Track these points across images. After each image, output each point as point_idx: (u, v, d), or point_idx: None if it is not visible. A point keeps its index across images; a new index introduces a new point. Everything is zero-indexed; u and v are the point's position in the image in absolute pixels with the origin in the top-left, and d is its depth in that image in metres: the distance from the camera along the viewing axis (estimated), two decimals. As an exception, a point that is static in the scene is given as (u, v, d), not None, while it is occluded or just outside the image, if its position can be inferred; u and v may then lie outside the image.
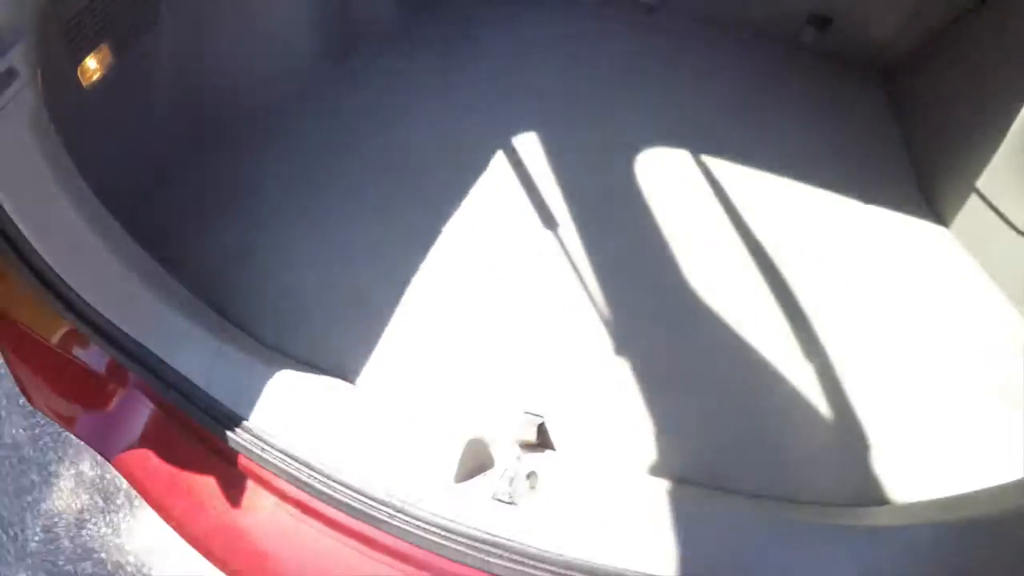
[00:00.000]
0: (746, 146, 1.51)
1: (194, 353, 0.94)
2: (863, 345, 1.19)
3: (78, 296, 0.92)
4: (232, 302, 1.13)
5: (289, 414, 0.89)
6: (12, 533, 1.86)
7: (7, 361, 1.04)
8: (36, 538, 1.85)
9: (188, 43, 1.37)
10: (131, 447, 0.98)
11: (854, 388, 1.14)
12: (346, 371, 1.08)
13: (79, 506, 1.90)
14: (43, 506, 1.90)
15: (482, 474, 0.85)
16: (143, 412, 0.99)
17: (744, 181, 1.44)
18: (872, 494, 1.05)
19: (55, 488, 1.93)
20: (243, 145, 1.44)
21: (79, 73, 1.15)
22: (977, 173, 1.30)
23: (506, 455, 0.88)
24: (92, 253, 0.95)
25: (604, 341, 1.15)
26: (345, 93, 1.59)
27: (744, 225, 1.36)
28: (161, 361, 0.93)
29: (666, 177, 1.44)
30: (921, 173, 1.49)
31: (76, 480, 1.94)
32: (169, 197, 1.34)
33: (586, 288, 1.22)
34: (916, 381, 1.13)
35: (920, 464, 1.03)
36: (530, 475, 0.85)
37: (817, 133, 1.58)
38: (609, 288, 1.22)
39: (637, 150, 1.49)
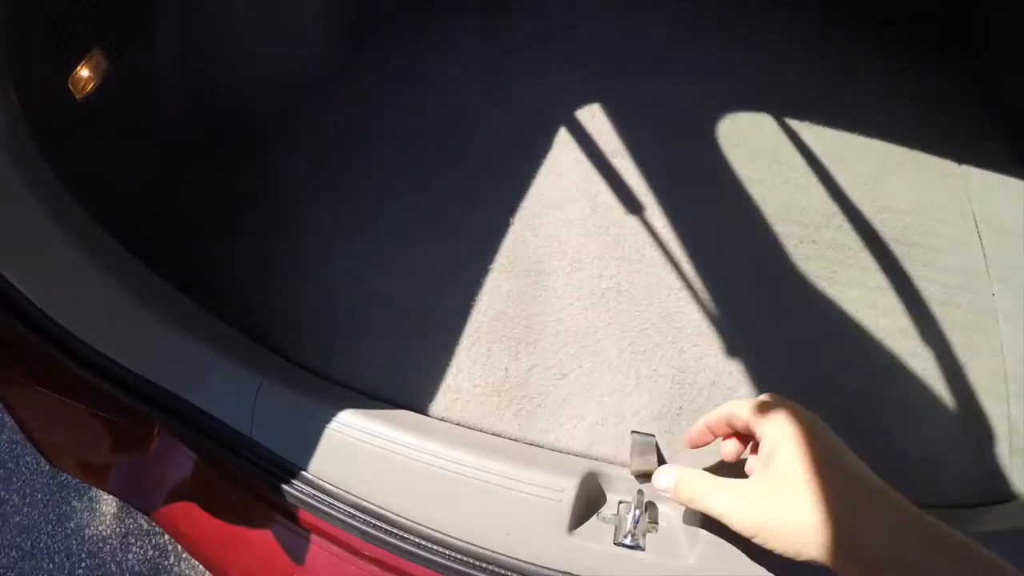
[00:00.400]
0: (831, 114, 1.30)
1: (231, 393, 0.79)
2: (984, 328, 1.05)
3: (85, 344, 0.79)
4: (266, 328, 1.00)
5: (356, 458, 0.74)
6: (58, 561, 1.79)
7: (17, 421, 0.91)
8: (82, 565, 1.78)
9: (191, 36, 1.21)
10: (173, 500, 0.87)
11: (977, 376, 1.00)
12: (414, 400, 0.92)
13: (123, 530, 1.83)
14: (87, 532, 1.83)
15: (596, 514, 0.71)
16: (183, 461, 0.88)
17: (835, 151, 1.24)
18: (1000, 489, 0.93)
19: (97, 513, 1.85)
20: (261, 147, 1.28)
21: (71, 85, 1.00)
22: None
23: (620, 487, 0.74)
24: (97, 290, 0.79)
25: (711, 343, 0.99)
26: (371, 78, 1.38)
27: (846, 199, 1.17)
28: (191, 406, 0.79)
29: (752, 147, 1.24)
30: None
31: (119, 504, 1.86)
32: (182, 213, 1.19)
33: (687, 283, 1.05)
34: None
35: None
36: (649, 507, 0.72)
37: (899, 101, 1.39)
38: (710, 281, 1.05)
39: (715, 118, 1.28)
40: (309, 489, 0.74)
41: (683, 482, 0.64)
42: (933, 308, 1.06)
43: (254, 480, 0.78)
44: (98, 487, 1.04)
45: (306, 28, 1.39)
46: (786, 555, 0.55)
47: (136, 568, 1.76)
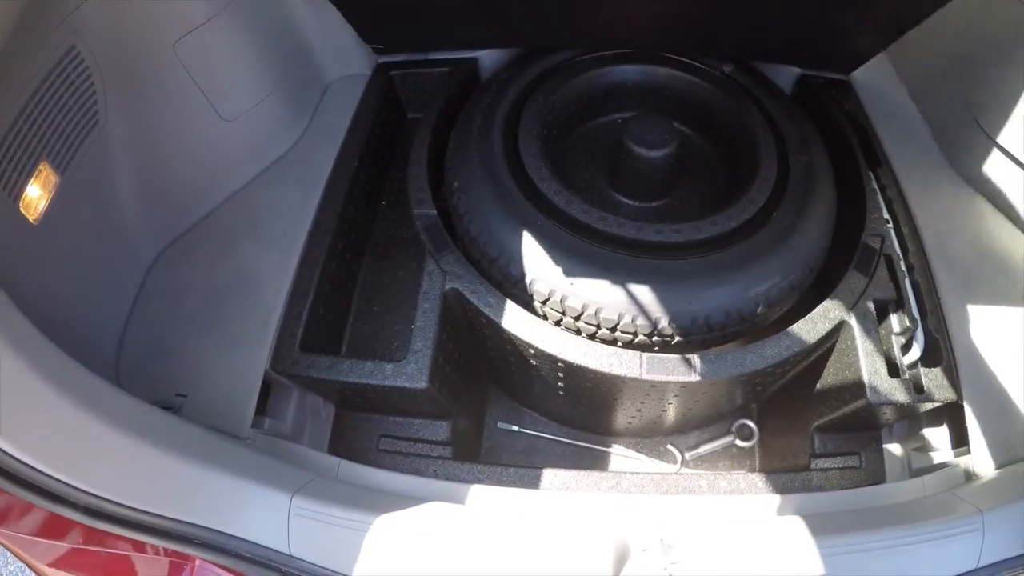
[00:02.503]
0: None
1: (264, 515, 0.78)
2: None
3: (90, 495, 0.73)
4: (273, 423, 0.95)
5: (398, 560, 0.75)
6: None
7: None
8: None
9: (139, 135, 1.11)
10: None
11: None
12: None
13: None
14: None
15: (624, 569, 0.76)
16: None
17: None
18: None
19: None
20: (228, 236, 1.21)
21: (22, 209, 0.89)
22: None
23: (642, 539, 0.79)
24: (89, 433, 0.75)
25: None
26: (327, 146, 1.35)
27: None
28: (229, 536, 0.76)
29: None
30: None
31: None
32: (159, 320, 1.11)
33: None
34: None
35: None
36: (668, 550, 0.77)
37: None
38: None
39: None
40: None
41: None
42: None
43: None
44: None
45: (258, 111, 1.29)
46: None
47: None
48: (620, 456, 1.37)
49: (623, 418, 1.27)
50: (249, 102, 1.29)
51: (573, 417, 1.38)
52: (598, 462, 1.38)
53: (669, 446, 1.39)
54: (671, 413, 1.24)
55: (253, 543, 0.76)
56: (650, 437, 1.40)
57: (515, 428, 1.38)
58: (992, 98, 1.28)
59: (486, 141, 1.22)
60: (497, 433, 1.40)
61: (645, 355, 1.04)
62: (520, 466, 1.17)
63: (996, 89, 1.27)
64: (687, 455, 1.37)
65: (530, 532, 0.89)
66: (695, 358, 1.03)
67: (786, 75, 1.44)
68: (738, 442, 1.38)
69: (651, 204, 1.32)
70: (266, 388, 1.12)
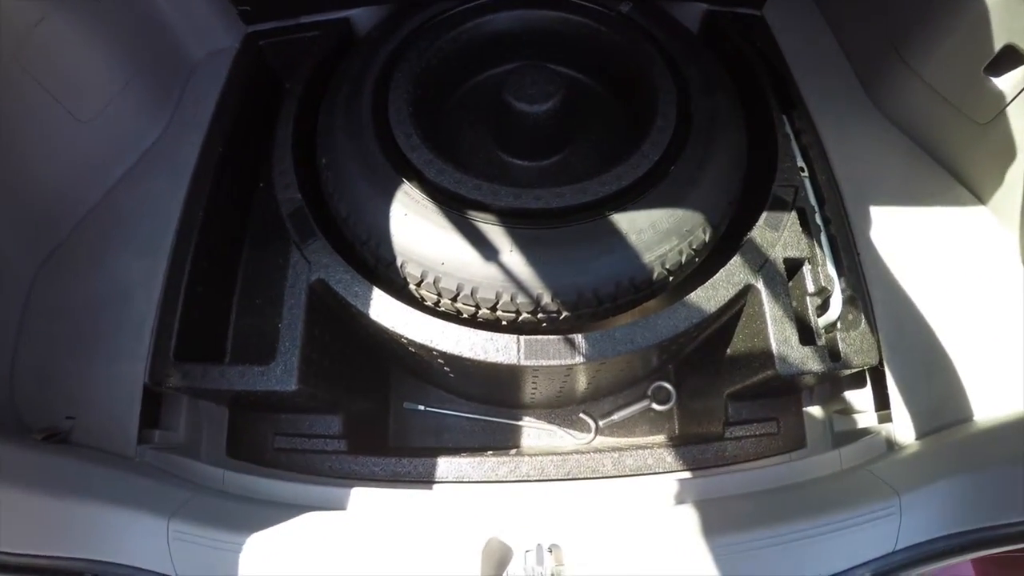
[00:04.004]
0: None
1: (144, 542, 0.74)
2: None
3: None
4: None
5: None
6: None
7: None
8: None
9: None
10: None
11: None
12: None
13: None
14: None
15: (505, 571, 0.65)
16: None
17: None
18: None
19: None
20: (99, 244, 1.07)
21: None
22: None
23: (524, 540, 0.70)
24: None
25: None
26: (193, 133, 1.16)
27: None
28: (112, 565, 0.72)
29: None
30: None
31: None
32: (45, 340, 1.02)
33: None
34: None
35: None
36: (553, 549, 0.65)
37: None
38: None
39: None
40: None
41: None
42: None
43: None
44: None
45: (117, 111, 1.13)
46: None
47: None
48: (531, 428, 1.23)
49: (525, 394, 1.12)
50: (105, 97, 1.11)
51: (476, 394, 1.24)
52: (507, 437, 1.24)
53: (582, 415, 1.25)
54: (573, 387, 1.10)
55: (140, 569, 0.72)
56: (561, 407, 1.26)
57: (421, 408, 1.24)
58: (917, 28, 1.08)
59: (353, 110, 1.04)
60: (404, 413, 1.26)
61: (523, 339, 0.88)
62: (416, 456, 1.04)
63: (920, 17, 1.07)
64: (601, 423, 1.23)
65: (407, 539, 0.79)
66: (579, 338, 0.88)
67: (693, 12, 1.23)
68: (655, 406, 1.24)
69: (543, 163, 1.13)
70: (156, 399, 1.03)
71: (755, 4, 1.21)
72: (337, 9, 1.19)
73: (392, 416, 1.26)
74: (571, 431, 1.22)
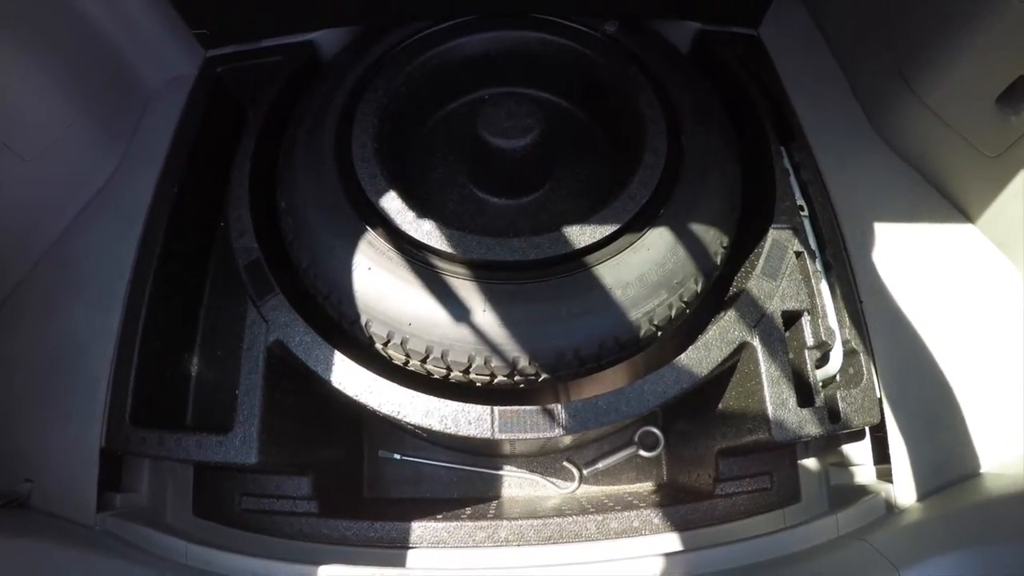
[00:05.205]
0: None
1: None
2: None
3: None
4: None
5: None
6: None
7: None
8: None
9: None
10: None
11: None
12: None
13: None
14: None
15: None
16: None
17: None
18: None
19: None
20: (49, 295, 0.95)
21: None
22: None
23: None
24: None
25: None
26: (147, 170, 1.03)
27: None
28: None
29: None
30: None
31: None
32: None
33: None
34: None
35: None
36: None
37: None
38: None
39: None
40: None
41: None
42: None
43: None
44: None
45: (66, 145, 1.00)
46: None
47: None
48: (512, 477, 1.13)
49: (504, 449, 1.02)
50: (51, 133, 0.97)
51: (454, 447, 1.13)
52: (488, 487, 1.13)
53: (566, 463, 1.14)
54: (557, 442, 1.00)
55: None
56: (544, 456, 1.16)
57: (396, 456, 1.13)
58: (924, 53, 0.95)
59: (314, 147, 0.91)
60: (380, 460, 1.15)
61: (497, 410, 0.77)
62: (389, 518, 0.93)
63: (928, 41, 0.94)
64: (586, 471, 1.13)
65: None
66: (558, 408, 0.77)
67: (684, 31, 1.09)
68: (642, 452, 1.13)
69: (522, 200, 1.00)
70: (116, 460, 0.92)
71: (751, 23, 1.08)
72: (300, 32, 1.04)
73: (366, 463, 1.15)
74: (554, 480, 1.12)
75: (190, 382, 0.99)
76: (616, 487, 1.12)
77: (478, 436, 0.75)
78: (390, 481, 1.14)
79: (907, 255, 0.95)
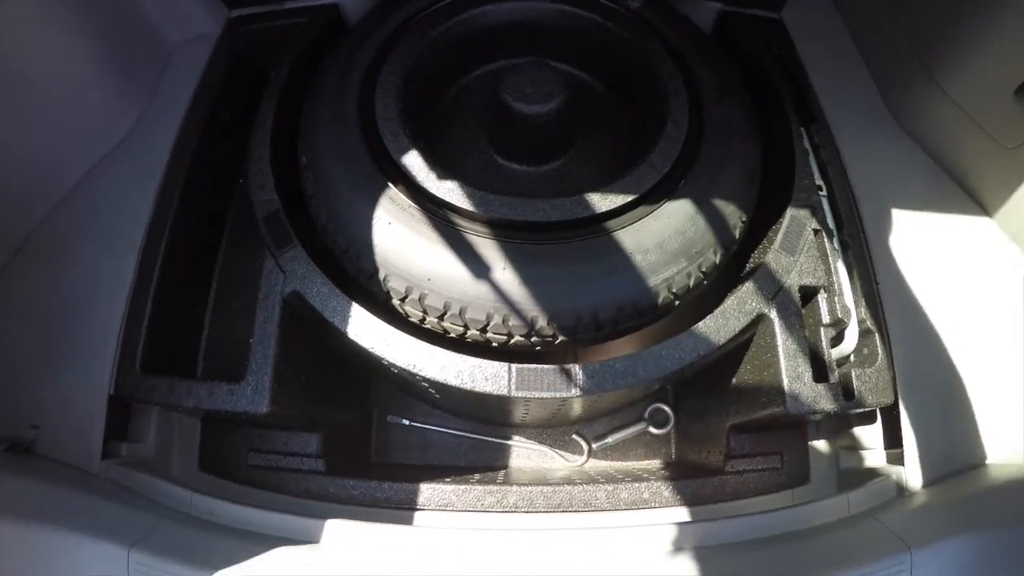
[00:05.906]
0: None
1: (104, 571, 0.65)
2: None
3: None
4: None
5: None
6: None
7: None
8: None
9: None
10: None
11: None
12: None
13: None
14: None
15: None
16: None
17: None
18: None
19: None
20: (66, 241, 0.93)
21: None
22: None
23: None
24: None
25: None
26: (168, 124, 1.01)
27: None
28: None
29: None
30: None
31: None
32: (9, 344, 0.89)
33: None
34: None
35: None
36: None
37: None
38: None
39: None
40: None
41: None
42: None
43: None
44: None
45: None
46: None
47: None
48: (520, 448, 1.10)
49: (515, 416, 0.99)
50: (75, 79, 0.95)
51: (463, 412, 1.11)
52: (496, 456, 1.11)
53: (575, 436, 1.12)
54: (568, 412, 0.97)
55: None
56: (553, 428, 1.14)
57: (405, 422, 1.11)
58: (946, 41, 0.94)
59: (338, 104, 0.89)
60: (388, 426, 1.13)
61: (515, 367, 0.75)
62: (397, 479, 0.91)
63: (950, 30, 0.93)
64: (595, 445, 1.11)
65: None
66: (575, 369, 0.74)
67: (706, 12, 1.08)
68: (652, 429, 1.11)
69: (542, 168, 0.98)
70: (124, 409, 0.89)
71: (773, 6, 1.07)
72: (326, -9, 1.03)
73: (375, 428, 1.13)
74: (563, 452, 1.09)
75: (202, 333, 0.96)
76: (625, 463, 1.10)
77: (494, 393, 0.73)
78: (398, 447, 1.12)
79: (923, 241, 0.93)
